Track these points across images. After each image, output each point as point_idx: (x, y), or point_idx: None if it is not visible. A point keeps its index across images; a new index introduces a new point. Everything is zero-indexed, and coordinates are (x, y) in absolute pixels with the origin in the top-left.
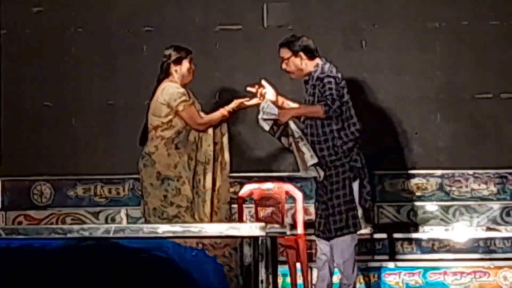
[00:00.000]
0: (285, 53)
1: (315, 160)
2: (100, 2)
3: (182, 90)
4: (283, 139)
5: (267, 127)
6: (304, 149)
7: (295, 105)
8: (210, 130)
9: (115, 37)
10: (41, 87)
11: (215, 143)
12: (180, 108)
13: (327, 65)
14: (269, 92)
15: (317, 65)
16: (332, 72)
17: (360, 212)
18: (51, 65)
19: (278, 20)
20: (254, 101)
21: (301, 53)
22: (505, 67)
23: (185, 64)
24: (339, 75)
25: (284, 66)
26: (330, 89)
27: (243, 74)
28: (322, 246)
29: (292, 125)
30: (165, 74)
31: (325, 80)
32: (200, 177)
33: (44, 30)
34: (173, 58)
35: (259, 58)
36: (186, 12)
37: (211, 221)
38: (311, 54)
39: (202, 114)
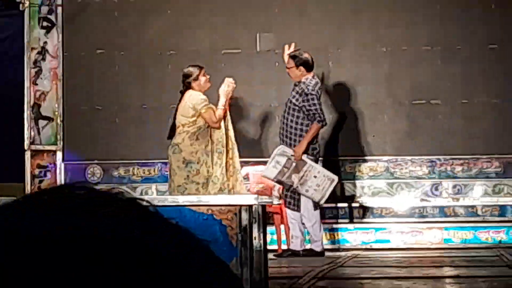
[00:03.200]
0: (290, 63)
1: (333, 182)
2: (134, 28)
3: (204, 96)
4: (294, 177)
5: (277, 169)
6: (320, 173)
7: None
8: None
9: (148, 57)
10: (94, 95)
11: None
12: (203, 110)
13: (314, 81)
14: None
15: (307, 78)
16: (314, 90)
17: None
18: (101, 78)
19: (267, 46)
20: (228, 86)
21: (301, 67)
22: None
23: (202, 78)
24: (319, 90)
25: (287, 70)
26: (314, 104)
27: (243, 87)
28: (290, 212)
29: (305, 158)
30: (188, 87)
31: (309, 97)
32: (215, 161)
33: (95, 53)
34: (192, 78)
35: (253, 73)
36: (199, 38)
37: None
38: (308, 68)
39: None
